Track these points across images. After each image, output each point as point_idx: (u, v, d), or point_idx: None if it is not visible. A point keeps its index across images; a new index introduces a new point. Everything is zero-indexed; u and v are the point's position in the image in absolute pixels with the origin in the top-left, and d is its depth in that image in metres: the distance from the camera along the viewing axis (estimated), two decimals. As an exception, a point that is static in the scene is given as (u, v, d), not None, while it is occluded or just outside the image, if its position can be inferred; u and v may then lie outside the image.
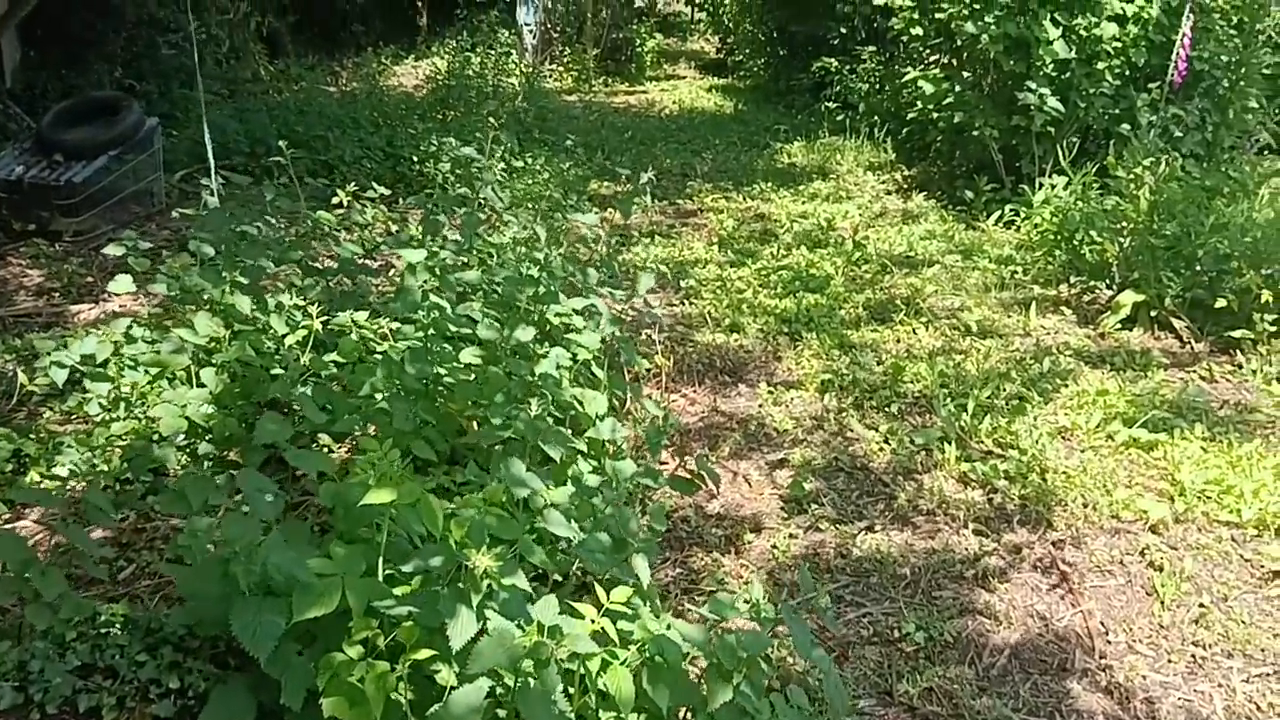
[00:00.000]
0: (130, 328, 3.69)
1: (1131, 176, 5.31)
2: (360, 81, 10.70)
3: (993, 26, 6.66)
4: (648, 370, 4.30)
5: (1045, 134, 6.63)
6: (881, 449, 3.80)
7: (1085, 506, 3.37)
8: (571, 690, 1.95)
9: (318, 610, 1.93)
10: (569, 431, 3.07)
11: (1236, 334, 4.62)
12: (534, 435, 2.62)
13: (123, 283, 3.65)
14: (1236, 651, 2.74)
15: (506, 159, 7.20)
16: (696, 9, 18.02)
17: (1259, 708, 2.56)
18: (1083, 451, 3.74)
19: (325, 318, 3.46)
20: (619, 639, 1.98)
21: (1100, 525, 3.28)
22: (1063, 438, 3.86)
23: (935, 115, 7.39)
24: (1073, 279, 5.60)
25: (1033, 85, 6.46)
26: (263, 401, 3.34)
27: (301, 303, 3.65)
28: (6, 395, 3.65)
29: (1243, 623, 2.84)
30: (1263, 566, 3.08)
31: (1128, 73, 6.49)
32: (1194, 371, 4.50)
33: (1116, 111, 6.50)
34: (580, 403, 3.13)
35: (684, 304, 5.34)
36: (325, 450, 3.56)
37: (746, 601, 2.28)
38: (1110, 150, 6.11)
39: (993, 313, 5.19)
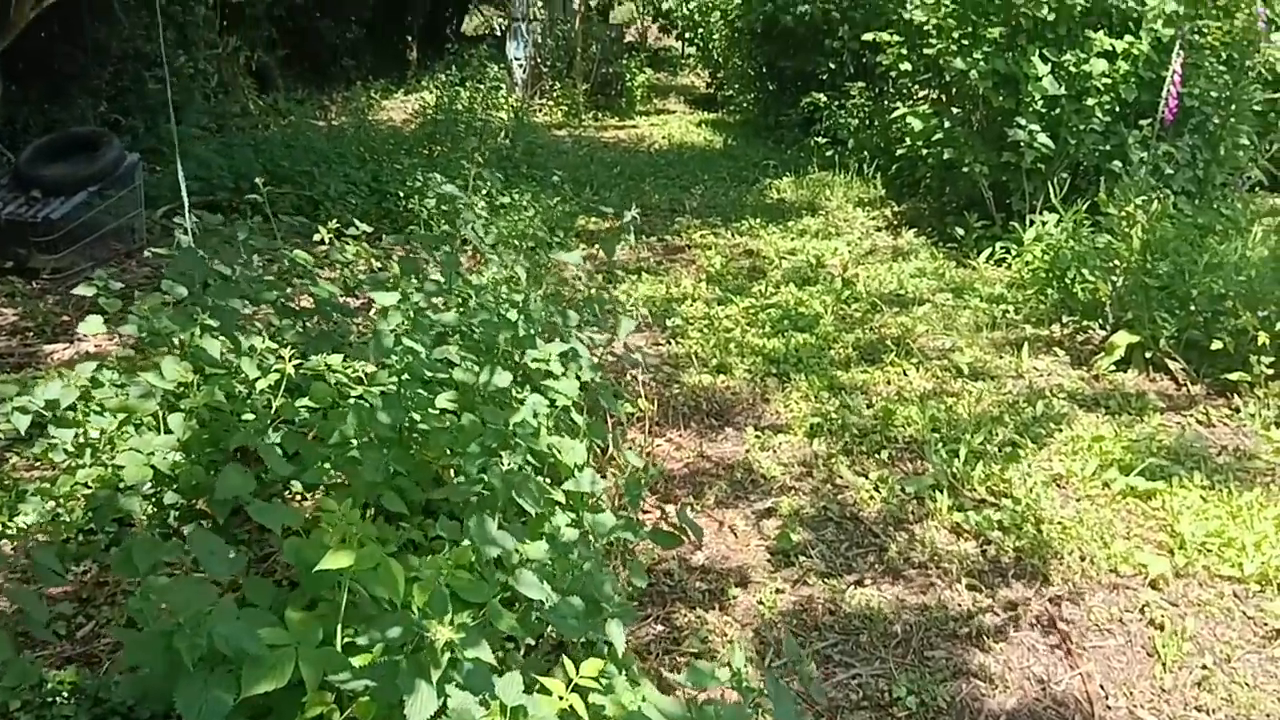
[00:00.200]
0: (97, 371, 3.57)
1: (1123, 214, 5.25)
2: (349, 116, 10.65)
3: (981, 62, 6.62)
4: (631, 414, 4.19)
5: (1035, 170, 6.58)
6: (872, 497, 3.69)
7: (1082, 560, 3.25)
8: (538, 772, 1.83)
9: (268, 685, 1.81)
10: (548, 481, 2.96)
11: (1233, 376, 4.53)
12: (507, 490, 2.51)
13: (93, 323, 3.54)
14: (1240, 716, 2.62)
15: (492, 194, 7.12)
16: (687, 44, 18.08)
17: (1267, 777, 2.44)
18: (1078, 500, 3.64)
19: (299, 361, 3.35)
20: (590, 717, 1.86)
21: (1098, 580, 3.17)
22: (1058, 486, 3.75)
23: (924, 151, 7.34)
24: (1065, 318, 5.52)
25: (1022, 121, 6.41)
26: (232, 449, 3.22)
27: (274, 345, 3.54)
28: (-32, 442, 3.54)
29: (1246, 685, 2.72)
30: (1266, 625, 2.97)
31: (1118, 109, 6.45)
32: (1191, 415, 4.41)
33: (1107, 148, 6.45)
34: (558, 452, 3.02)
35: (671, 343, 5.24)
36: (299, 498, 3.45)
37: (728, 667, 2.16)
38: (1101, 187, 6.06)
39: (984, 353, 5.10)
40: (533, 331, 3.35)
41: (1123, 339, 4.87)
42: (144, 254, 5.96)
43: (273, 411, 3.22)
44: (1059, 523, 3.45)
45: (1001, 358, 5.06)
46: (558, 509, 2.84)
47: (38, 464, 3.47)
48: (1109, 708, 2.66)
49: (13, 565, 2.92)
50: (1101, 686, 2.73)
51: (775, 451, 4.08)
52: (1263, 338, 4.46)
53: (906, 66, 7.65)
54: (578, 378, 3.37)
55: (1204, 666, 2.79)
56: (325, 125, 10.03)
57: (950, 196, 7.70)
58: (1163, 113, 6.10)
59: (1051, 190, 6.37)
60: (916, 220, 7.89)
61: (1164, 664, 2.79)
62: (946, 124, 7.08)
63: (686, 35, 17.23)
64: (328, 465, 2.95)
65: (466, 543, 2.19)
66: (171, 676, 1.92)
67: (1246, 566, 3.17)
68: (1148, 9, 6.34)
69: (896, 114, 7.63)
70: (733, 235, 7.59)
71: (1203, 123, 6.42)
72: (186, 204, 4.37)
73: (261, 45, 11.94)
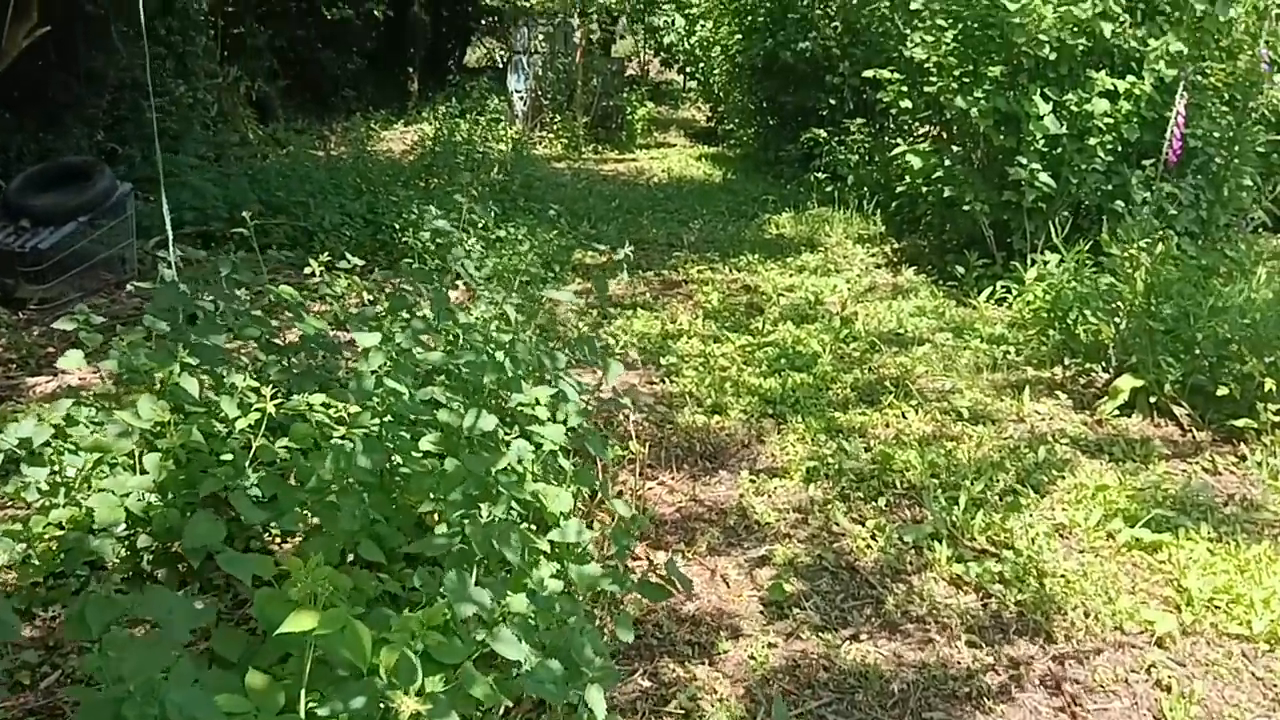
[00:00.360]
0: (74, 408, 3.48)
1: (1127, 255, 5.17)
2: (348, 146, 10.63)
3: (982, 101, 6.58)
4: (623, 455, 4.09)
5: (1037, 209, 6.51)
6: (869, 546, 3.58)
7: (1087, 616, 3.13)
8: None
9: (224, 758, 1.70)
10: (533, 529, 2.86)
11: (1240, 423, 4.42)
12: (486, 544, 2.40)
13: (73, 358, 3.45)
14: (1254, 786, 2.51)
15: (488, 228, 7.06)
16: (688, 78, 18.15)
17: None
18: (1082, 552, 3.52)
19: (280, 399, 3.25)
20: (564, 795, 1.75)
21: (1103, 637, 3.05)
22: (1061, 536, 3.64)
23: (925, 189, 7.29)
24: (1067, 360, 5.42)
25: (1023, 160, 6.36)
26: (207, 493, 3.12)
27: (255, 383, 3.44)
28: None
29: (1260, 753, 2.61)
30: (1275, 686, 2.85)
31: (1120, 149, 6.39)
32: (1196, 463, 4.30)
33: (1109, 188, 6.39)
34: (544, 500, 2.92)
35: (665, 381, 5.14)
36: (278, 541, 3.34)
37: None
38: (1104, 227, 5.99)
39: (985, 395, 5.00)
40: (520, 373, 3.25)
41: (1126, 383, 4.77)
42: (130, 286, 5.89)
43: (251, 453, 3.12)
44: (1062, 576, 3.33)
45: (1002, 400, 4.96)
46: (542, 559, 2.73)
47: (10, 503, 3.37)
48: (1115, 777, 2.54)
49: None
50: (1107, 754, 2.61)
51: (770, 496, 3.97)
52: (1269, 384, 4.36)
53: (907, 104, 7.62)
54: (564, 421, 3.27)
55: (1214, 733, 2.67)
56: (324, 156, 10.00)
57: (950, 234, 7.64)
58: (1166, 153, 6.04)
59: (1053, 230, 6.30)
60: (916, 258, 7.82)
61: (1172, 730, 2.67)
62: (947, 162, 7.03)
63: (688, 69, 17.28)
64: (305, 510, 2.85)
65: (440, 599, 2.09)
66: (123, 745, 1.82)
67: (1255, 624, 3.06)
68: (1150, 49, 6.30)
69: (896, 151, 7.58)
70: (730, 271, 7.52)
71: (1206, 163, 6.37)
72: (170, 236, 4.30)
73: (262, 75, 11.97)
